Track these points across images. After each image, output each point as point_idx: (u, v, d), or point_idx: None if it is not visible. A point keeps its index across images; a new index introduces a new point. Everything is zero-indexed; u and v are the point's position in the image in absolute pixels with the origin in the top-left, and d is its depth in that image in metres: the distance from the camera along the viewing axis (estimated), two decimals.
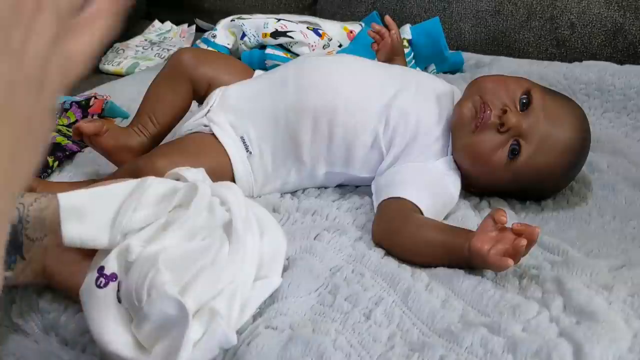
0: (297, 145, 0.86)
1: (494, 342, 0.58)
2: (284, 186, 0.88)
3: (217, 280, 0.54)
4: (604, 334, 0.58)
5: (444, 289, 0.67)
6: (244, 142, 0.86)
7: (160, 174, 0.64)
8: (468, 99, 0.85)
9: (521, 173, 0.82)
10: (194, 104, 0.96)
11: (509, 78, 0.87)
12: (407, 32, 1.35)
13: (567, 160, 0.84)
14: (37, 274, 0.61)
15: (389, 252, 0.75)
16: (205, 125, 0.87)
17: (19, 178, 0.29)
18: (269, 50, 1.30)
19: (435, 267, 0.71)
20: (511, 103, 0.83)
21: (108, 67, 1.49)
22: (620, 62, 1.21)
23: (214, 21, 1.46)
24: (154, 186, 0.57)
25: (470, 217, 0.82)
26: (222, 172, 0.83)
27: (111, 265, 0.54)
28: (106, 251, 0.56)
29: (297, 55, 1.27)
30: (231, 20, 1.38)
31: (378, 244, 0.76)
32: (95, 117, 1.11)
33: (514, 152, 0.82)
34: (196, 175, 0.61)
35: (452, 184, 0.84)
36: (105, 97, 1.15)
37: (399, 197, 0.79)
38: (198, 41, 1.44)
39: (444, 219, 0.81)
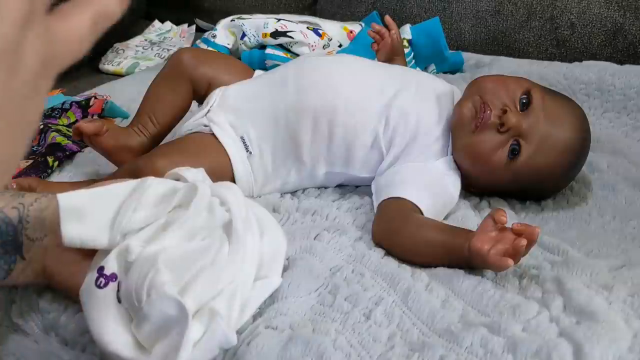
0: (297, 145, 0.86)
1: (494, 342, 0.58)
2: (284, 186, 0.88)
3: (217, 281, 0.54)
4: (604, 334, 0.58)
5: (444, 289, 0.67)
6: (244, 142, 0.86)
7: (160, 174, 0.64)
8: (468, 99, 0.85)
9: (521, 173, 0.82)
10: (194, 104, 0.96)
11: (509, 78, 0.87)
12: (407, 32, 1.35)
13: (567, 160, 0.84)
14: (37, 274, 0.61)
15: (389, 252, 0.75)
16: (205, 125, 0.87)
17: None
18: (269, 50, 1.30)
19: (435, 267, 0.71)
20: (511, 103, 0.83)
21: (108, 67, 1.49)
22: (620, 62, 1.21)
23: (214, 21, 1.46)
24: (153, 186, 0.57)
25: (470, 217, 0.82)
26: (222, 172, 0.83)
27: (111, 265, 0.54)
28: (106, 251, 0.56)
29: (297, 55, 1.27)
30: (231, 20, 1.38)
31: (378, 244, 0.76)
32: (95, 117, 1.12)
33: (514, 152, 0.82)
34: (196, 175, 0.61)
35: (452, 184, 0.84)
36: (105, 97, 1.15)
37: (399, 197, 0.79)
38: (198, 41, 1.44)
39: (444, 219, 0.81)
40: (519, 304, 0.63)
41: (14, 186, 0.81)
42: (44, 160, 0.96)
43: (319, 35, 1.31)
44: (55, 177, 0.95)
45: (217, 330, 0.52)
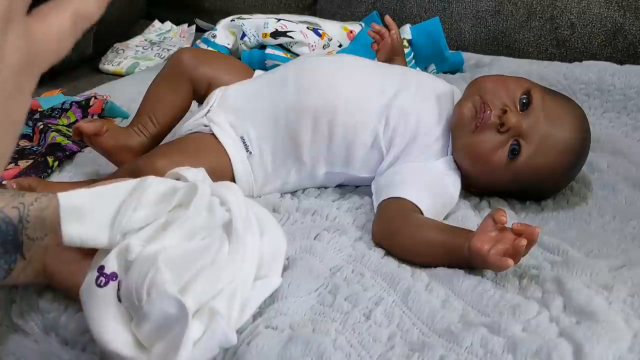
0: (297, 145, 0.86)
1: (494, 342, 0.58)
2: (284, 186, 0.88)
3: (217, 280, 0.54)
4: (604, 334, 0.58)
5: (444, 289, 0.67)
6: (243, 142, 0.86)
7: (160, 174, 0.64)
8: (468, 99, 0.85)
9: (521, 173, 0.82)
10: (194, 104, 0.96)
11: (508, 78, 0.87)
12: (407, 32, 1.35)
13: (567, 160, 0.84)
14: (37, 273, 0.61)
15: (389, 252, 0.75)
16: (205, 125, 0.87)
17: None
18: (269, 50, 1.30)
19: (435, 267, 0.71)
20: (511, 103, 0.83)
21: (108, 67, 1.49)
22: (620, 62, 1.21)
23: (214, 21, 1.46)
24: (153, 186, 0.57)
25: (470, 217, 0.82)
26: (222, 172, 0.83)
27: (111, 264, 0.54)
28: (106, 251, 0.56)
29: (297, 55, 1.27)
30: (231, 20, 1.38)
31: (378, 244, 0.76)
32: (95, 117, 1.12)
33: (514, 152, 0.82)
34: (196, 175, 0.61)
35: (452, 184, 0.84)
36: (105, 97, 1.15)
37: (399, 197, 0.79)
38: (198, 41, 1.44)
39: (444, 219, 0.81)
40: (519, 304, 0.63)
41: (14, 186, 0.81)
42: (44, 160, 0.96)
43: (319, 35, 1.31)
44: (55, 177, 0.95)
45: (217, 329, 0.52)
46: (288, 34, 1.29)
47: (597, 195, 0.90)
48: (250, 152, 0.86)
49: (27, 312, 0.65)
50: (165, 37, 1.66)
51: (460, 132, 0.84)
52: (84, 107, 1.12)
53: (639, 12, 1.38)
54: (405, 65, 1.09)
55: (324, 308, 0.64)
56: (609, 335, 0.58)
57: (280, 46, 1.30)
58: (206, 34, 1.41)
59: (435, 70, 1.33)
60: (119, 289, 0.54)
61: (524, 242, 0.65)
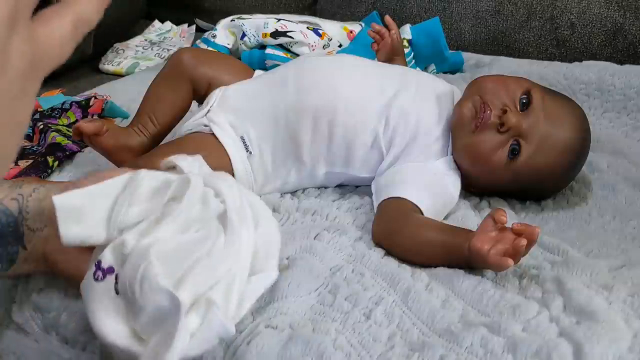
0: (297, 145, 0.86)
1: (494, 342, 0.58)
2: (284, 186, 0.88)
3: (214, 272, 0.54)
4: (604, 334, 0.58)
5: (444, 289, 0.67)
6: (243, 142, 0.86)
7: None
8: (468, 99, 0.85)
9: (521, 173, 0.82)
10: (194, 104, 0.96)
11: (508, 78, 0.87)
12: (407, 32, 1.35)
13: (567, 160, 0.84)
14: (38, 263, 0.62)
15: (389, 252, 0.75)
16: (205, 125, 0.87)
17: None
18: (269, 50, 1.30)
19: (435, 267, 0.71)
20: (511, 103, 0.83)
21: (108, 67, 1.49)
22: (620, 62, 1.21)
23: (214, 21, 1.46)
24: (146, 180, 0.57)
25: (470, 217, 0.82)
26: (222, 171, 0.83)
27: (107, 258, 0.54)
28: (105, 245, 0.56)
29: (297, 55, 1.27)
30: (231, 20, 1.38)
31: (378, 244, 0.76)
32: (95, 117, 1.12)
33: (514, 152, 0.82)
34: (192, 164, 0.61)
35: (452, 184, 0.84)
36: (105, 97, 1.15)
37: (399, 197, 0.79)
38: (198, 41, 1.44)
39: (444, 219, 0.81)
40: (519, 304, 0.63)
41: None
42: (44, 160, 0.96)
43: (319, 35, 1.31)
44: (55, 177, 0.95)
45: (214, 319, 0.52)
46: (288, 34, 1.29)
47: (597, 195, 0.90)
48: (250, 152, 0.86)
49: (27, 311, 0.65)
50: (165, 37, 1.66)
51: (460, 132, 0.84)
52: (84, 107, 1.12)
53: (639, 12, 1.38)
54: (405, 65, 1.09)
55: (324, 308, 0.64)
56: (609, 335, 0.58)
57: (280, 46, 1.30)
58: (206, 34, 1.41)
59: (435, 70, 1.33)
60: (116, 282, 0.54)
61: (524, 242, 0.65)
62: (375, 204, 0.82)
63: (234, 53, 1.36)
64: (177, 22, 1.71)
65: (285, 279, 0.65)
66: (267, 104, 0.87)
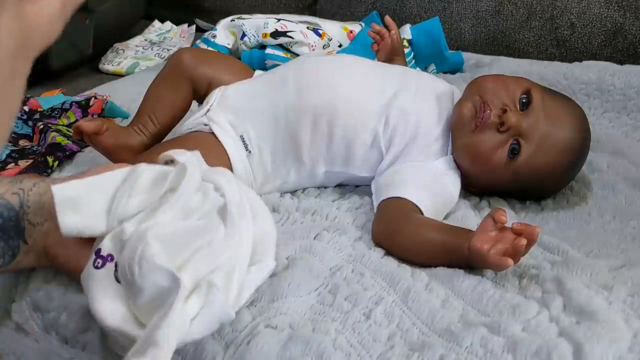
0: (297, 145, 0.86)
1: (494, 342, 0.58)
2: (283, 185, 0.88)
3: (214, 260, 0.54)
4: (604, 334, 0.58)
5: (444, 289, 0.67)
6: (243, 142, 0.86)
7: None
8: (468, 99, 0.85)
9: (521, 172, 0.83)
10: (194, 103, 0.96)
11: (508, 78, 0.87)
12: (407, 32, 1.35)
13: (567, 160, 0.84)
14: (39, 257, 0.62)
15: (389, 252, 0.75)
16: (205, 125, 0.87)
17: None
18: (269, 50, 1.30)
19: (435, 267, 0.71)
20: (511, 103, 0.83)
21: (108, 67, 1.49)
22: (620, 62, 1.21)
23: (214, 21, 1.46)
24: (146, 172, 0.57)
25: (470, 217, 0.82)
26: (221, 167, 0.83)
27: (107, 246, 0.55)
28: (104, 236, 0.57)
29: (297, 55, 1.27)
30: (231, 20, 1.38)
31: (378, 243, 0.76)
32: (95, 117, 1.12)
33: (514, 152, 0.82)
34: (190, 159, 0.61)
35: (452, 183, 0.84)
36: (105, 97, 1.15)
37: (398, 197, 0.79)
38: (198, 41, 1.44)
39: (444, 218, 0.81)
40: (519, 304, 0.63)
41: None
42: (44, 160, 0.96)
43: (319, 35, 1.31)
44: (56, 177, 0.95)
45: (215, 301, 0.52)
46: (288, 34, 1.29)
47: (597, 195, 0.90)
48: (250, 152, 0.86)
49: (27, 311, 0.65)
50: (165, 37, 1.66)
51: (460, 131, 0.84)
52: (84, 107, 1.12)
53: (639, 12, 1.38)
54: (405, 65, 1.09)
55: (324, 307, 0.64)
56: (609, 335, 0.58)
57: (280, 46, 1.30)
58: (206, 34, 1.42)
59: (435, 70, 1.33)
60: (116, 270, 0.54)
61: (523, 241, 0.65)
62: (375, 204, 0.82)
63: (234, 53, 1.36)
64: (177, 22, 1.71)
65: (285, 279, 0.65)
66: (267, 103, 0.87)
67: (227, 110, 0.88)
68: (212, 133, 0.86)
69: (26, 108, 1.11)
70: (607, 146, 1.00)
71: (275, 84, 0.89)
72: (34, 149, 1.02)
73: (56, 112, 1.11)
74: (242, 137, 0.86)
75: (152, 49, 1.56)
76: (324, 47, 1.31)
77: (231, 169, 0.85)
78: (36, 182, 0.62)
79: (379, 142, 0.85)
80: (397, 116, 0.85)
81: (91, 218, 0.55)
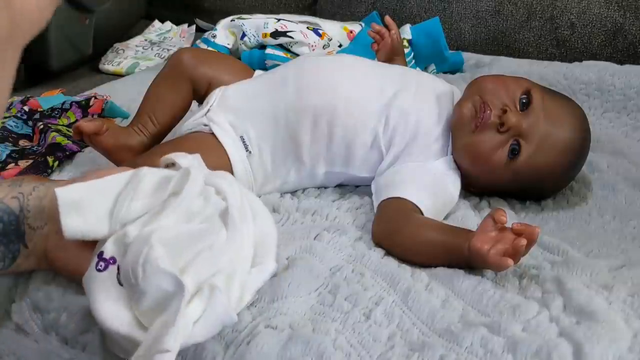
0: (297, 145, 0.86)
1: (494, 342, 0.58)
2: (283, 186, 0.88)
3: (216, 263, 0.54)
4: (604, 334, 0.58)
5: (444, 289, 0.67)
6: (243, 142, 0.86)
7: None
8: (468, 99, 0.85)
9: (521, 173, 0.83)
10: (194, 103, 0.96)
11: (508, 78, 0.87)
12: (407, 32, 1.35)
13: (567, 160, 0.84)
14: (39, 260, 0.62)
15: (389, 252, 0.75)
16: (205, 125, 0.87)
17: None
18: (269, 50, 1.30)
19: (435, 267, 0.71)
20: (511, 103, 0.83)
21: (108, 67, 1.49)
22: (620, 62, 1.21)
23: (214, 21, 1.46)
24: (149, 176, 0.58)
25: (470, 217, 0.82)
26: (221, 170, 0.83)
27: (110, 249, 0.55)
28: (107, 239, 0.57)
29: (297, 55, 1.27)
30: (231, 20, 1.38)
31: (378, 244, 0.76)
32: (95, 117, 1.12)
33: (514, 152, 0.82)
34: (191, 162, 0.61)
35: (452, 183, 0.84)
36: (105, 97, 1.15)
37: (398, 197, 0.79)
38: (198, 41, 1.44)
39: (444, 219, 0.81)
40: (519, 304, 0.63)
41: None
42: (44, 160, 0.96)
43: (319, 35, 1.31)
44: (55, 177, 0.95)
45: (217, 303, 0.52)
46: (288, 34, 1.29)
47: (597, 195, 0.90)
48: (250, 152, 0.86)
49: (27, 311, 0.65)
50: (165, 37, 1.66)
51: (460, 131, 0.84)
52: (84, 107, 1.12)
53: (639, 12, 1.38)
54: (405, 65, 1.09)
55: (324, 308, 0.64)
56: (609, 335, 0.58)
57: (280, 46, 1.30)
58: (206, 34, 1.41)
59: (435, 70, 1.33)
60: (118, 273, 0.54)
61: (523, 242, 0.65)
62: (375, 204, 0.82)
63: (234, 53, 1.36)
64: (177, 22, 1.71)
65: (285, 279, 0.65)
66: (267, 103, 0.87)
67: (227, 110, 0.88)
68: (212, 133, 0.86)
69: (26, 108, 1.11)
70: (607, 146, 1.00)
71: (275, 84, 0.89)
72: (34, 149, 1.02)
73: (56, 112, 1.11)
74: (242, 138, 0.86)
75: (152, 49, 1.56)
76: (324, 47, 1.31)
77: (231, 170, 0.85)
78: (36, 185, 0.62)
79: (379, 142, 0.85)
80: (397, 116, 0.85)
81: (94, 221, 0.55)
